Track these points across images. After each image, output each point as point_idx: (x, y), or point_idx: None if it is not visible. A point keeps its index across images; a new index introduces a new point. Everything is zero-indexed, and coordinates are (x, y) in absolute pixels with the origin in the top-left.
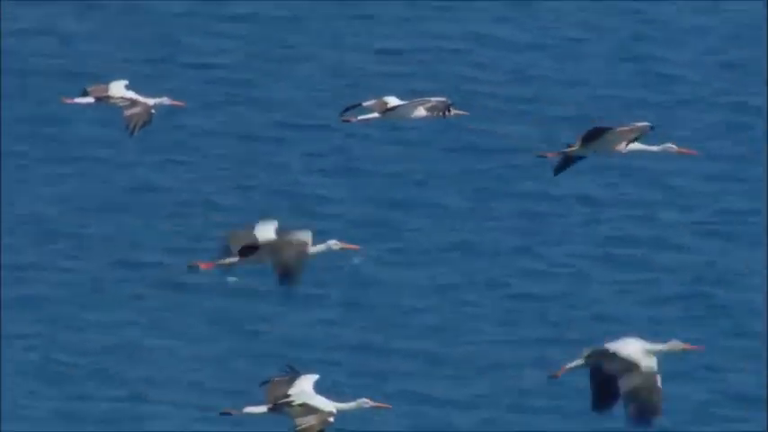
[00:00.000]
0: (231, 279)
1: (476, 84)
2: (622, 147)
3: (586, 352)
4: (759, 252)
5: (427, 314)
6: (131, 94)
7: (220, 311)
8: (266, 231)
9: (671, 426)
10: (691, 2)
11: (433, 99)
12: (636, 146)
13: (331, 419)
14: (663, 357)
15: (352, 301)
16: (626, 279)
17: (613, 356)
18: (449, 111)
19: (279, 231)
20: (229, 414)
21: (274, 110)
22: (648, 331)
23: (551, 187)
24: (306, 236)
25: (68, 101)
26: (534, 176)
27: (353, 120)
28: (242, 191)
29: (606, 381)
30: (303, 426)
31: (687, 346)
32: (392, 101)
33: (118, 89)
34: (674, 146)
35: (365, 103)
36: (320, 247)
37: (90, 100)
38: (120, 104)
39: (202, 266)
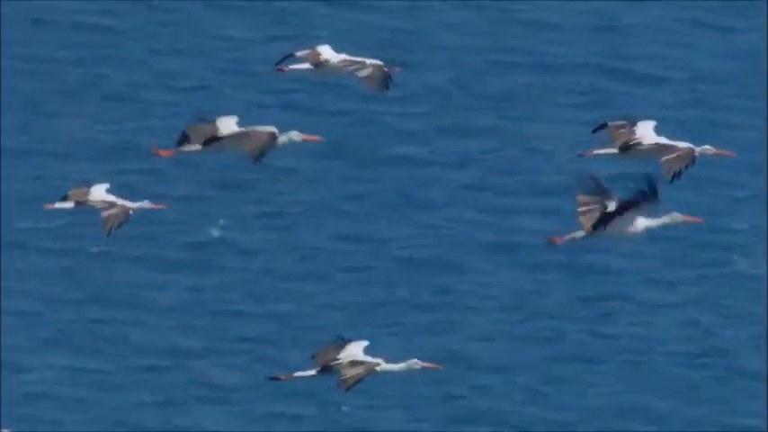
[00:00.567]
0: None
1: None
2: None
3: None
4: None
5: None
6: (112, 198)
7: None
8: (229, 124)
9: None
10: None
11: (368, 62)
12: (664, 140)
13: (377, 369)
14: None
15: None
16: None
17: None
18: (387, 78)
19: (242, 125)
20: (278, 379)
21: None
22: None
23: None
24: (272, 127)
25: (49, 207)
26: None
27: (287, 69)
28: None
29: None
30: (348, 374)
31: (687, 218)
32: (326, 52)
33: (98, 193)
34: (710, 148)
35: (298, 53)
36: (283, 139)
37: (70, 204)
38: (99, 207)
39: (164, 154)
